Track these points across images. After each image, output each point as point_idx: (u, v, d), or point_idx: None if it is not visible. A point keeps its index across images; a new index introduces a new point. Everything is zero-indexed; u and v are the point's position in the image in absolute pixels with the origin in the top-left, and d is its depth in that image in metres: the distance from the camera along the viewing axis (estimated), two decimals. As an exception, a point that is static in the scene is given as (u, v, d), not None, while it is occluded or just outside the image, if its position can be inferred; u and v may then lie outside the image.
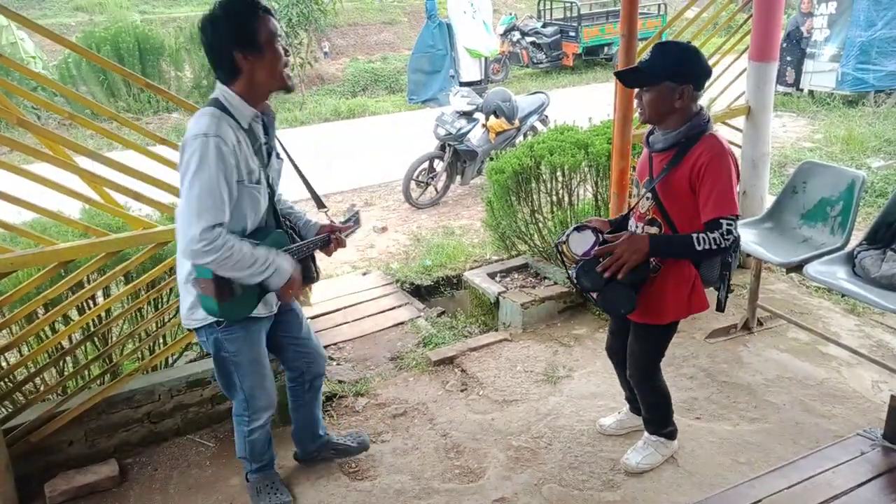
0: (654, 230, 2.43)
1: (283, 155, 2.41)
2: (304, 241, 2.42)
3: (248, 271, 2.10)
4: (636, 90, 2.42)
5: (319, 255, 2.50)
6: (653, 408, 2.75)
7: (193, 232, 1.98)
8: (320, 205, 2.53)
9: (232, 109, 2.10)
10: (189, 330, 2.45)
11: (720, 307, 2.43)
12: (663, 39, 3.76)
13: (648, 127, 2.52)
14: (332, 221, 2.58)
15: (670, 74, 2.27)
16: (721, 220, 2.23)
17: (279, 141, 2.37)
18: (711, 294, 2.45)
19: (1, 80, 2.62)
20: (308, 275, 2.44)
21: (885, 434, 2.01)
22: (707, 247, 2.23)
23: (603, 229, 2.51)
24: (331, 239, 2.49)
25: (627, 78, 2.46)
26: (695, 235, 2.24)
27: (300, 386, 2.72)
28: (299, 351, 2.64)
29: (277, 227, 2.34)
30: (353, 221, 2.60)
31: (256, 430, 2.54)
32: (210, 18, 2.06)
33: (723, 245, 2.24)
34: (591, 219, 2.57)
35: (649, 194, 2.43)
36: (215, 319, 2.24)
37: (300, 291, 2.38)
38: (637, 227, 2.49)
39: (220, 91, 2.13)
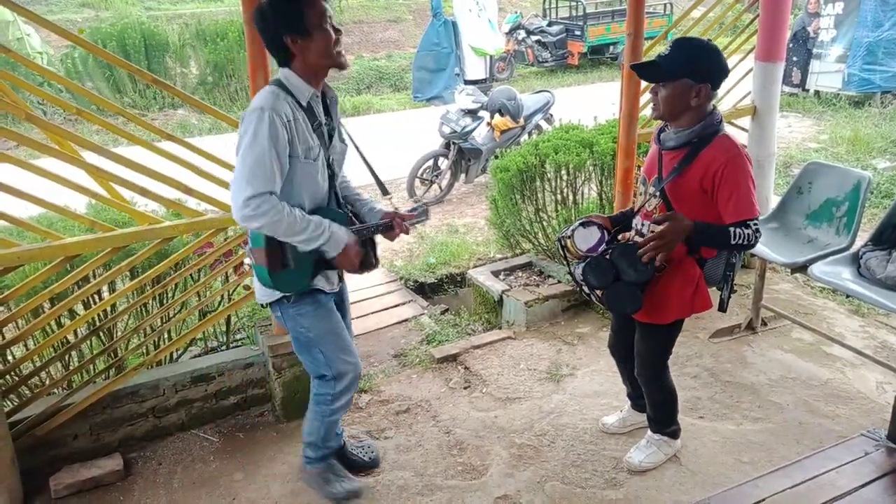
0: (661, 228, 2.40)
1: (347, 140, 2.44)
2: (367, 224, 2.43)
3: (302, 236, 2.18)
4: (652, 85, 2.37)
5: (380, 242, 2.51)
6: (659, 406, 2.75)
7: (241, 197, 2.09)
8: (385, 192, 2.58)
9: (291, 88, 2.20)
10: (262, 306, 2.50)
11: (723, 307, 2.43)
12: (669, 38, 3.75)
13: (653, 127, 2.50)
14: (396, 209, 2.58)
15: (689, 71, 2.22)
16: (748, 223, 2.22)
17: (343, 126, 2.43)
18: (714, 294, 2.44)
19: (9, 74, 2.62)
20: (367, 260, 2.44)
21: (888, 435, 2.02)
22: (740, 241, 2.22)
23: (606, 226, 2.50)
24: (394, 224, 2.46)
25: (644, 71, 2.39)
26: (732, 229, 2.21)
27: None
28: None
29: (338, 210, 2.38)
30: (421, 213, 2.55)
31: (340, 409, 2.55)
32: (260, 7, 2.16)
33: (752, 242, 2.23)
34: (593, 215, 2.54)
35: (657, 193, 2.40)
36: (285, 295, 2.30)
37: (358, 265, 2.38)
38: (644, 225, 2.46)
39: (282, 72, 2.23)
